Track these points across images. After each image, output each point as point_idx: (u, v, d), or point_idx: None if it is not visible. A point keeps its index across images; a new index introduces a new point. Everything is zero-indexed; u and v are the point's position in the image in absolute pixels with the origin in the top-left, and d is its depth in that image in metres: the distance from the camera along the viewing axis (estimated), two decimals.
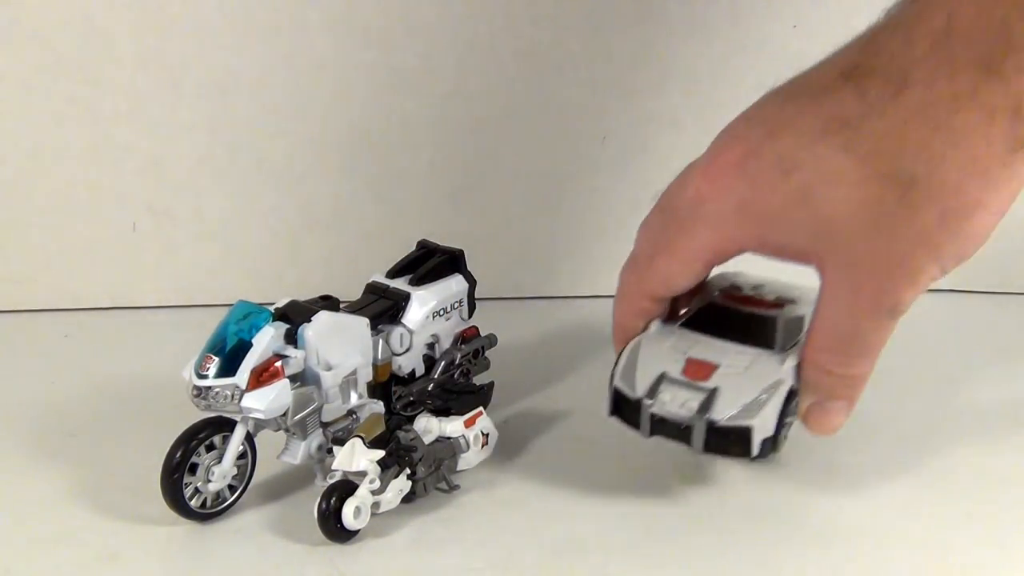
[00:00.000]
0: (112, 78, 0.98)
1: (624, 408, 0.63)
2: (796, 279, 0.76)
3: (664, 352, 0.65)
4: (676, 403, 0.61)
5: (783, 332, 0.67)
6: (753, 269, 0.79)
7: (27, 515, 0.68)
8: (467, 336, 0.78)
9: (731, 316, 0.68)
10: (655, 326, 0.67)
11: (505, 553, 0.63)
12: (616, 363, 0.65)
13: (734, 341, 0.66)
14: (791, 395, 0.63)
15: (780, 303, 0.69)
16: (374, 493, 0.63)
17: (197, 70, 0.98)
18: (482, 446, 0.70)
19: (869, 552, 0.62)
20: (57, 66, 0.97)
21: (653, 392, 0.62)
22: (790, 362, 0.64)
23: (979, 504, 0.66)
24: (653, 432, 0.62)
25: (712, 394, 0.61)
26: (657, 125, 0.98)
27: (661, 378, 0.63)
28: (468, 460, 0.70)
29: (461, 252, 0.78)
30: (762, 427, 0.61)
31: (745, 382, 0.62)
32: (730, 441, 0.61)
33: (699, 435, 0.61)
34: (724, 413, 0.61)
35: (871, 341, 0.58)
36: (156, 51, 0.97)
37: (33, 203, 1.00)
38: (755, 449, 0.61)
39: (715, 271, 0.74)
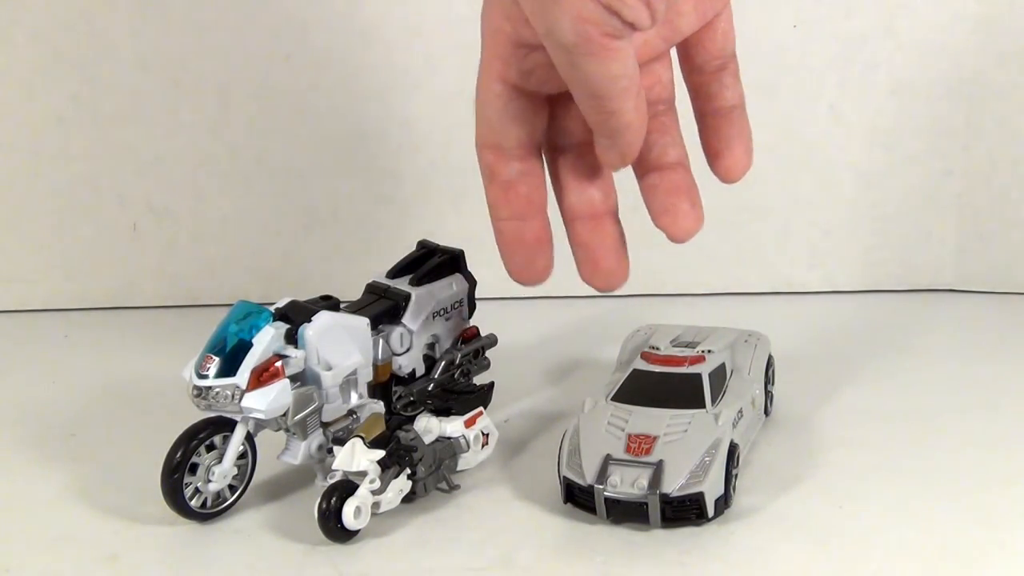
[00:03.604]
0: (112, 78, 0.98)
1: (577, 495, 0.65)
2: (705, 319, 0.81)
3: (602, 432, 0.66)
4: (627, 483, 0.63)
5: (710, 386, 0.70)
6: (665, 317, 0.83)
7: (27, 515, 0.68)
8: (467, 336, 0.78)
9: (657, 381, 0.70)
10: (588, 404, 0.69)
11: (505, 553, 0.63)
12: (560, 451, 0.67)
13: (666, 406, 0.68)
14: (732, 449, 0.65)
15: (700, 356, 0.72)
16: (374, 493, 0.63)
17: (197, 70, 0.98)
18: (482, 446, 0.70)
19: (869, 553, 0.62)
20: (57, 66, 0.97)
21: (602, 476, 0.64)
22: (724, 416, 0.67)
23: (979, 504, 0.66)
24: (609, 514, 0.64)
25: (659, 467, 0.63)
26: None
27: (607, 460, 0.64)
28: (468, 460, 0.70)
29: (461, 252, 0.78)
30: (712, 489, 0.64)
31: (687, 448, 0.64)
32: (686, 509, 0.64)
33: (655, 510, 0.63)
34: (674, 484, 0.63)
35: None
36: (156, 51, 0.98)
37: (33, 203, 1.00)
38: (710, 511, 0.64)
39: (632, 327, 0.79)
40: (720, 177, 0.60)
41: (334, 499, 0.62)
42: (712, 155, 0.60)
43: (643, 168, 0.59)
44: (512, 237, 0.59)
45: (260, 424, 0.67)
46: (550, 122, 0.59)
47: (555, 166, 0.60)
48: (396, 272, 0.76)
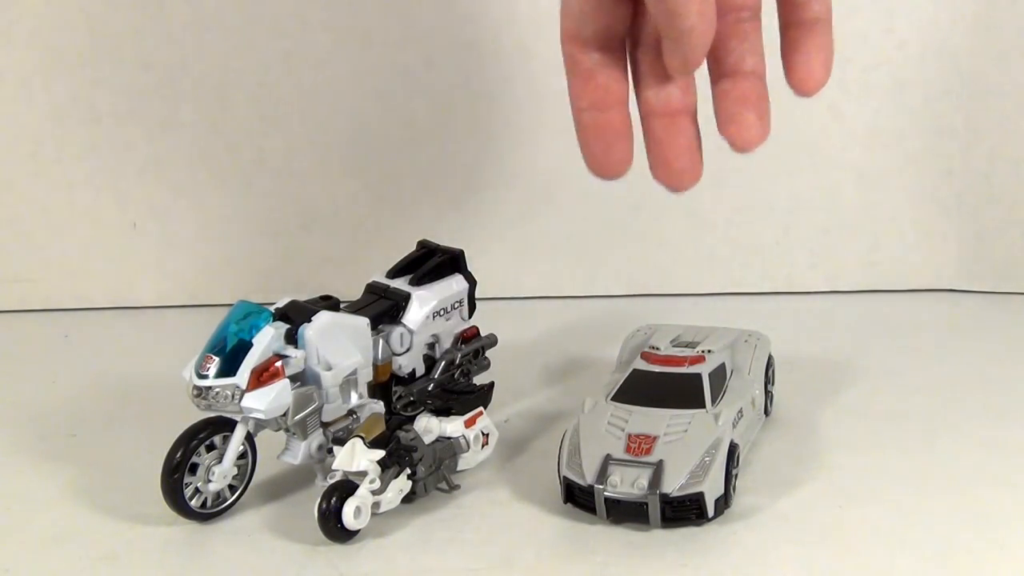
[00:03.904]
0: (112, 78, 0.98)
1: (577, 495, 0.65)
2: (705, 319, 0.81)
3: (602, 432, 0.66)
4: (627, 483, 0.63)
5: (710, 386, 0.69)
6: (665, 317, 0.83)
7: (27, 515, 0.68)
8: (467, 336, 0.78)
9: (657, 381, 0.70)
10: (588, 404, 0.69)
11: (505, 553, 0.63)
12: (560, 451, 0.67)
13: (666, 406, 0.68)
14: (732, 449, 0.65)
15: (700, 356, 0.72)
16: (374, 493, 0.63)
17: (197, 70, 0.98)
18: (482, 446, 0.70)
19: (869, 553, 0.62)
20: (57, 66, 0.97)
21: (602, 476, 0.64)
22: (724, 416, 0.67)
23: (979, 504, 0.66)
24: (609, 514, 0.64)
25: (659, 467, 0.63)
26: None
27: (607, 460, 0.64)
28: (468, 460, 0.70)
29: (461, 252, 0.78)
30: (712, 489, 0.64)
31: (687, 448, 0.64)
32: (686, 509, 0.63)
33: (655, 510, 0.63)
34: (674, 484, 0.63)
35: None
36: (156, 51, 0.98)
37: (33, 203, 1.00)
38: (710, 511, 0.64)
39: (632, 327, 0.80)
40: (794, 88, 0.60)
41: (334, 499, 0.62)
42: (789, 66, 0.60)
43: (718, 73, 0.59)
44: (590, 127, 0.59)
45: (260, 424, 0.67)
46: (633, 16, 0.59)
47: (636, 61, 0.60)
48: (396, 272, 0.76)
